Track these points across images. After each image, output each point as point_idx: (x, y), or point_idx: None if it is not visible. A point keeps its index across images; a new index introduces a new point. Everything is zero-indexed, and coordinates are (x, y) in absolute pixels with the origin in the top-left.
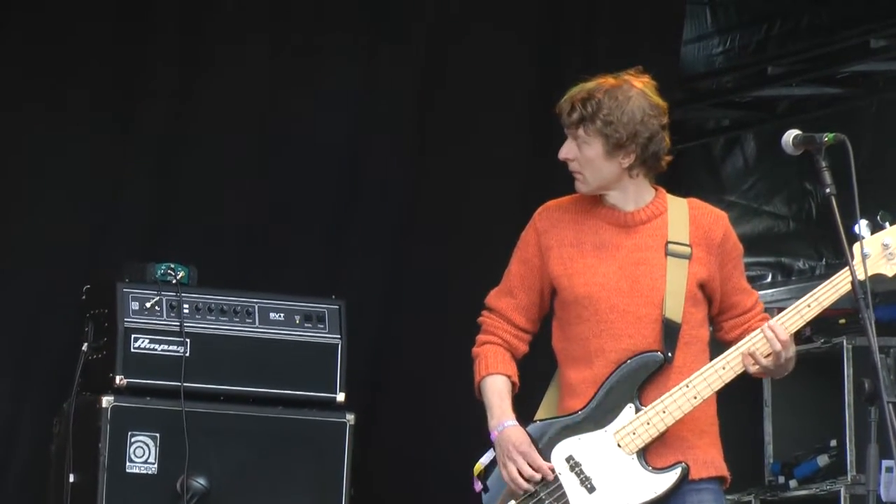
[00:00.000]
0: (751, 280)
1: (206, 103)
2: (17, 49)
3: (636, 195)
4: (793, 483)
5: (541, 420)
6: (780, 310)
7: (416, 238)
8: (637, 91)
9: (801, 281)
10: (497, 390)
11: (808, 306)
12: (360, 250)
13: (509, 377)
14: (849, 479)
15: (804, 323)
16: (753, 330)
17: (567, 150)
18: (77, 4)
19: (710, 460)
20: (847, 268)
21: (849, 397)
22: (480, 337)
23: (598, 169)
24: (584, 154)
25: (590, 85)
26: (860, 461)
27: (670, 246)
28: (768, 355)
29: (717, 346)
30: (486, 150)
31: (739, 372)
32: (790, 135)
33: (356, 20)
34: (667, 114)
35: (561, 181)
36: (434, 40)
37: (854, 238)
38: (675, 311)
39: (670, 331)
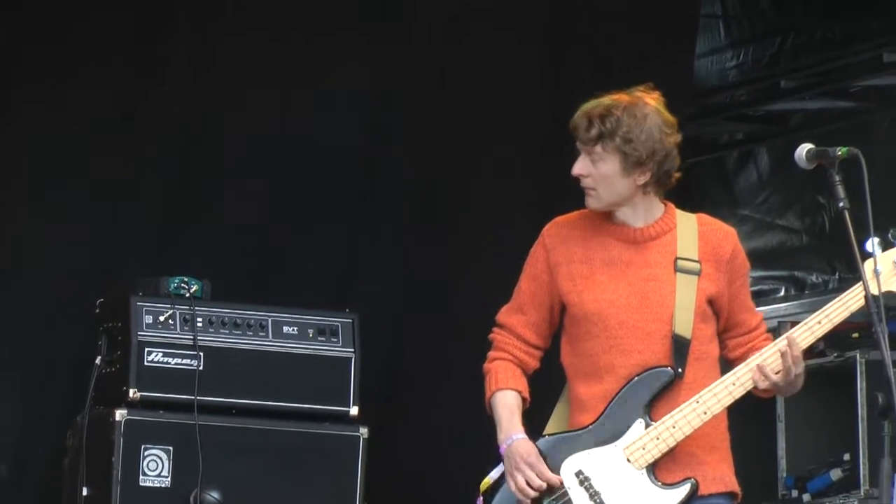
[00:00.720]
0: (764, 294)
1: (218, 114)
2: (21, 52)
3: (646, 211)
4: (806, 497)
5: (550, 434)
6: (794, 324)
7: (429, 251)
8: (652, 108)
9: (814, 295)
10: (507, 405)
11: (819, 323)
12: (373, 263)
13: (519, 392)
14: (862, 493)
15: (815, 339)
16: (757, 349)
17: (581, 167)
18: (79, 6)
19: (719, 476)
20: (858, 284)
21: (862, 411)
22: (491, 353)
23: (612, 186)
24: (599, 171)
25: (605, 101)
26: (873, 475)
27: (679, 262)
28: (778, 371)
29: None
30: (502, 160)
31: (749, 388)
32: (803, 149)
33: (360, 20)
34: (679, 131)
35: (573, 189)
36: (441, 42)
37: (866, 254)
38: (684, 326)
39: (680, 346)
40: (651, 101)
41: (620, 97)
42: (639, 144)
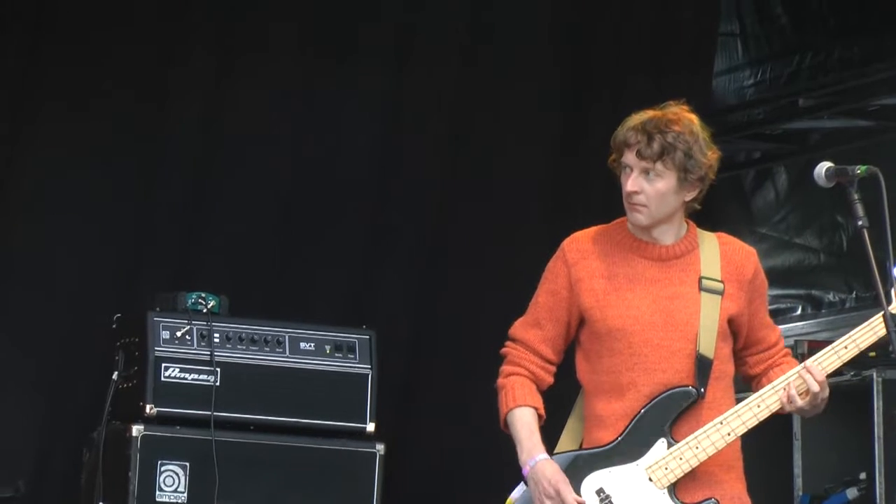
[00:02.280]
0: (781, 312)
1: (235, 130)
2: (44, 71)
3: (678, 229)
4: None
5: (567, 451)
6: (811, 343)
7: (446, 267)
8: (697, 124)
9: (832, 314)
10: (526, 423)
11: (846, 347)
12: (390, 279)
13: (536, 409)
14: None
15: (841, 364)
16: (777, 366)
17: (636, 184)
18: (100, 19)
19: (736, 495)
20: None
21: (878, 430)
22: (505, 368)
23: (665, 203)
24: (654, 187)
25: (656, 116)
26: (890, 494)
27: (704, 281)
28: (804, 394)
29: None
30: (516, 178)
31: (774, 410)
32: (822, 167)
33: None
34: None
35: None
36: (458, 58)
37: (887, 275)
38: (707, 346)
39: (703, 366)
40: (694, 116)
41: (667, 113)
42: (697, 161)
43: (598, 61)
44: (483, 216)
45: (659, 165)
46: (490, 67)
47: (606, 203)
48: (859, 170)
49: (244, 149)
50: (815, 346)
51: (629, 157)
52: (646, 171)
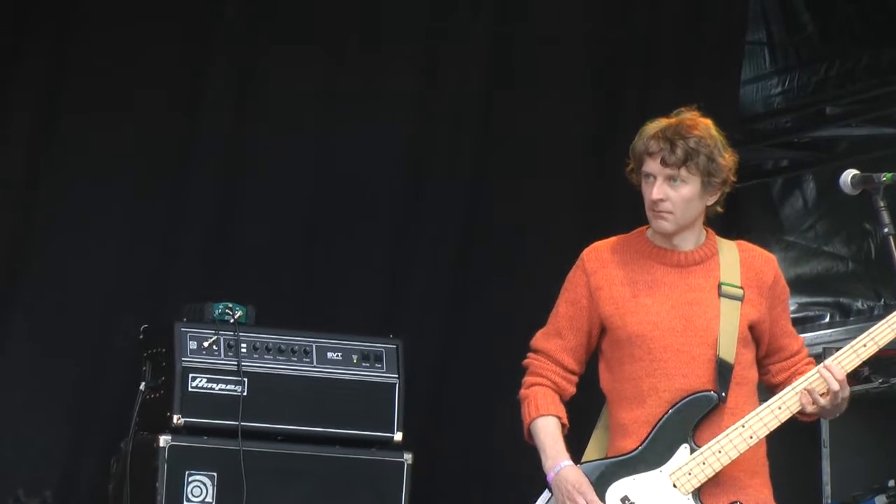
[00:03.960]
0: (809, 320)
1: (260, 139)
2: (69, 79)
3: (698, 236)
4: None
5: (592, 460)
6: (839, 350)
7: (474, 276)
8: (714, 128)
9: (860, 321)
10: (549, 431)
11: (865, 346)
12: (418, 288)
13: (559, 418)
14: None
15: (860, 362)
16: (800, 374)
17: (662, 191)
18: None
19: (762, 500)
20: None
21: None
22: (528, 378)
23: (691, 208)
24: (679, 193)
25: (673, 122)
26: None
27: (723, 287)
28: (824, 394)
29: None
30: (546, 186)
31: (795, 412)
32: (848, 174)
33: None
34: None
35: (619, 216)
36: (484, 63)
37: None
38: (728, 351)
39: (724, 371)
40: (709, 121)
41: (684, 119)
42: (719, 164)
43: (626, 70)
44: (512, 226)
45: (683, 171)
46: (516, 77)
47: (635, 212)
48: (885, 177)
49: (271, 159)
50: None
51: (652, 166)
52: (671, 178)
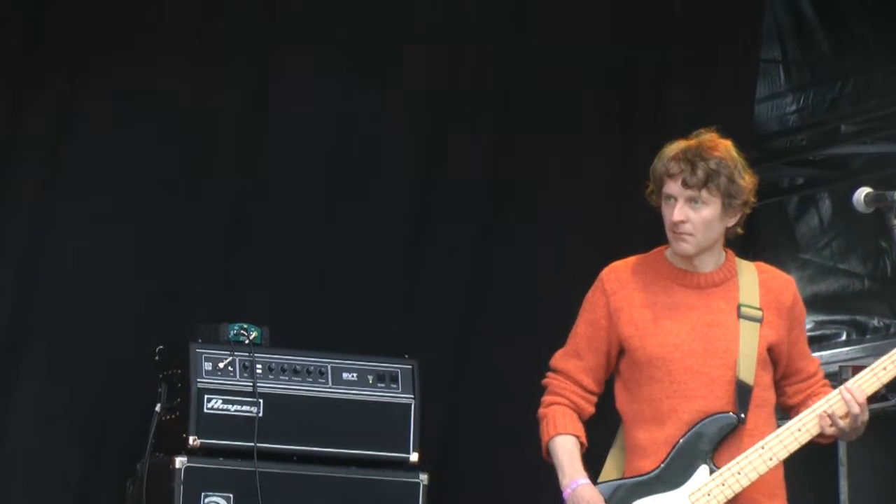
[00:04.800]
0: (826, 338)
1: (273, 158)
2: (83, 100)
3: (718, 257)
4: None
5: (610, 480)
6: (855, 368)
7: (489, 296)
8: (734, 150)
9: (876, 339)
10: (567, 450)
11: (885, 368)
12: (433, 309)
13: (577, 437)
14: None
15: (881, 385)
16: (817, 395)
17: (683, 213)
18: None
19: None
20: None
21: None
22: (547, 398)
23: (711, 230)
24: (700, 215)
25: (692, 144)
26: None
27: (742, 309)
28: (844, 417)
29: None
30: (560, 206)
31: (815, 434)
32: (861, 192)
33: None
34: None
35: (634, 236)
36: (499, 76)
37: None
38: (747, 373)
39: (743, 393)
40: (729, 143)
41: (701, 140)
42: (739, 186)
43: (640, 88)
44: (527, 243)
45: (704, 193)
46: (527, 100)
47: (651, 234)
48: None
49: (284, 179)
50: (860, 372)
51: (672, 188)
52: (692, 200)
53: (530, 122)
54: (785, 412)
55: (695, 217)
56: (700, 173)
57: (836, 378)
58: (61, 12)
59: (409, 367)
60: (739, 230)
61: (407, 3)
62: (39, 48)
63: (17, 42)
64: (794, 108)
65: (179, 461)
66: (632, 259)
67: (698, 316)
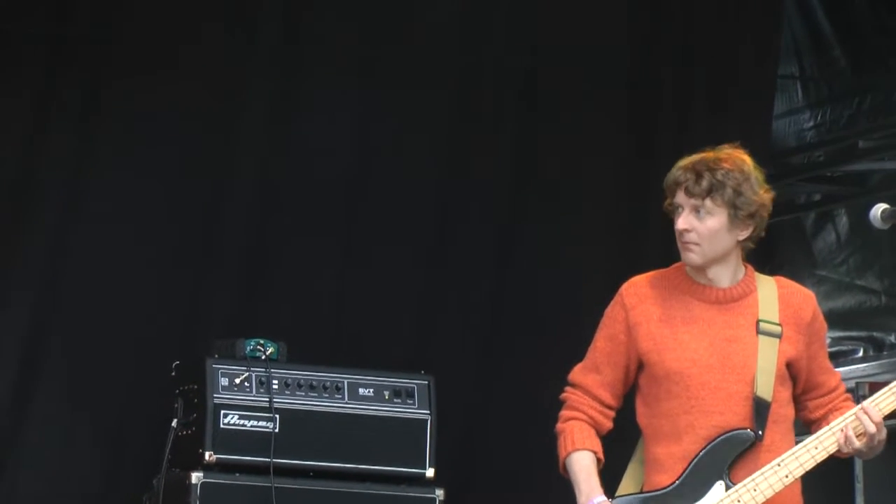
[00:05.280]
0: (842, 354)
1: (291, 173)
2: (103, 117)
3: (734, 271)
4: None
5: (627, 495)
6: (872, 385)
7: (506, 313)
8: (751, 165)
9: (893, 355)
10: (584, 466)
11: None
12: (450, 323)
13: (595, 453)
14: None
15: None
16: (838, 410)
17: (687, 221)
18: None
19: None
20: None
21: None
22: (565, 413)
23: (718, 241)
24: (705, 225)
25: (707, 155)
26: None
27: (761, 324)
28: (861, 436)
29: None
30: (578, 222)
31: (832, 452)
32: (878, 209)
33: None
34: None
35: (654, 255)
36: (520, 90)
37: None
38: (765, 389)
39: (761, 409)
40: (747, 157)
41: (718, 153)
42: (747, 198)
43: (658, 105)
44: (547, 258)
45: (708, 202)
46: (548, 113)
47: (671, 249)
48: None
49: (302, 195)
50: (877, 388)
51: (680, 197)
52: (696, 209)
53: (551, 140)
54: (807, 426)
55: (700, 227)
56: (704, 183)
57: (852, 395)
58: (83, 33)
59: (426, 382)
60: (752, 245)
61: (427, 14)
62: (61, 69)
63: (39, 63)
64: (811, 124)
65: (195, 476)
66: (651, 274)
67: (717, 331)
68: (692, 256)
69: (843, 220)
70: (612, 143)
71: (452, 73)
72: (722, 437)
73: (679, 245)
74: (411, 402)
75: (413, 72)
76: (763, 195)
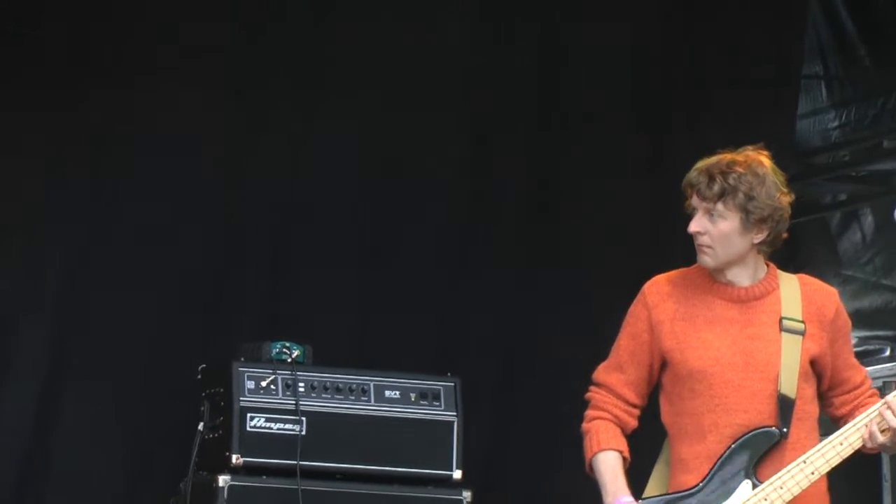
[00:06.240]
0: (869, 354)
1: (313, 174)
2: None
3: (754, 271)
4: None
5: (653, 497)
6: None
7: (533, 313)
8: (769, 167)
9: None
10: (610, 466)
11: None
12: (477, 324)
13: (621, 452)
14: None
15: None
16: (864, 406)
17: (700, 224)
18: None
19: None
20: None
21: None
22: (590, 412)
23: (731, 244)
24: (718, 228)
25: (723, 158)
26: None
27: (784, 322)
28: (885, 431)
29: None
30: (604, 222)
31: (857, 448)
32: None
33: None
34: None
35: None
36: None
37: None
38: (789, 386)
39: (785, 406)
40: (765, 159)
41: (735, 155)
42: (760, 202)
43: (680, 105)
44: (571, 259)
45: (720, 206)
46: (566, 116)
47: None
48: None
49: (326, 195)
50: None
51: (693, 199)
52: (709, 212)
53: (572, 136)
54: (833, 422)
55: (712, 230)
56: (715, 187)
57: (880, 394)
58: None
59: (452, 384)
60: (767, 247)
61: (446, 34)
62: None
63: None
64: (836, 123)
65: (223, 479)
66: (674, 273)
67: (739, 329)
68: (706, 259)
69: (868, 220)
70: (632, 144)
71: (470, 75)
72: (747, 436)
73: (695, 246)
74: (438, 403)
75: (431, 74)
76: (780, 198)
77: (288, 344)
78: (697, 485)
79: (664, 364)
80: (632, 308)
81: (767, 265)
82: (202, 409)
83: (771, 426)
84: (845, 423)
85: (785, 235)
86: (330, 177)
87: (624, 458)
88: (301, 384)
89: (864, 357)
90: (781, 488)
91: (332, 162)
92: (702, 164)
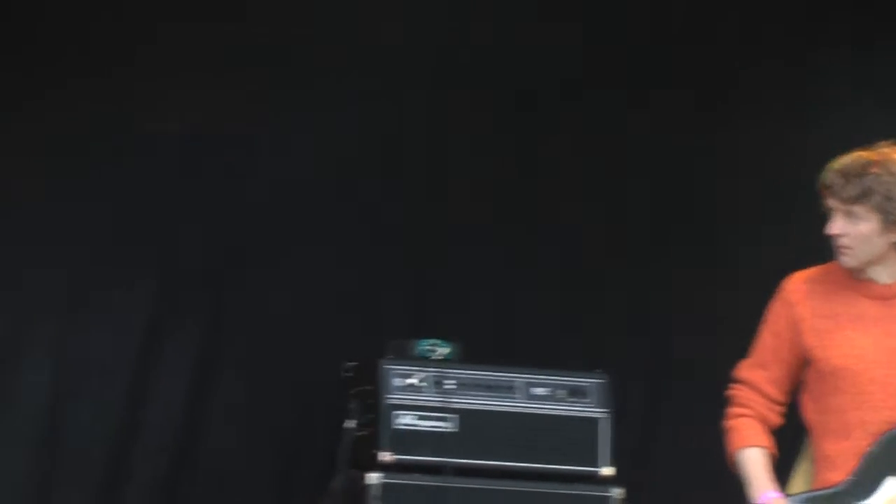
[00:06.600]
0: None
1: (458, 170)
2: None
3: (894, 269)
4: None
5: (798, 494)
6: None
7: (681, 309)
8: None
9: None
10: (755, 461)
11: None
12: (623, 321)
13: (766, 449)
14: None
15: None
16: None
17: (839, 226)
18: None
19: None
20: None
21: None
22: (733, 410)
23: (871, 245)
24: (857, 229)
25: (858, 158)
26: None
27: None
28: None
29: None
30: (731, 221)
31: None
32: None
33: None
34: None
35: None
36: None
37: None
38: None
39: None
40: None
41: (870, 154)
42: None
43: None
44: (703, 258)
45: (857, 208)
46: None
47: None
48: None
49: (461, 196)
50: None
51: (830, 200)
52: (847, 214)
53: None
54: None
55: (852, 231)
56: (852, 189)
57: None
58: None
59: (601, 381)
60: None
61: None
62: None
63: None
64: None
65: (374, 477)
66: (813, 269)
67: (881, 327)
68: (845, 259)
69: None
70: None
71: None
72: (892, 432)
73: (834, 247)
74: (587, 400)
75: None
76: None
77: (436, 341)
78: (842, 481)
79: (807, 361)
80: (771, 305)
81: None
82: (351, 406)
83: None
84: None
85: None
86: (472, 172)
87: (770, 454)
88: (450, 381)
89: None
90: None
91: (467, 158)
92: (837, 164)
